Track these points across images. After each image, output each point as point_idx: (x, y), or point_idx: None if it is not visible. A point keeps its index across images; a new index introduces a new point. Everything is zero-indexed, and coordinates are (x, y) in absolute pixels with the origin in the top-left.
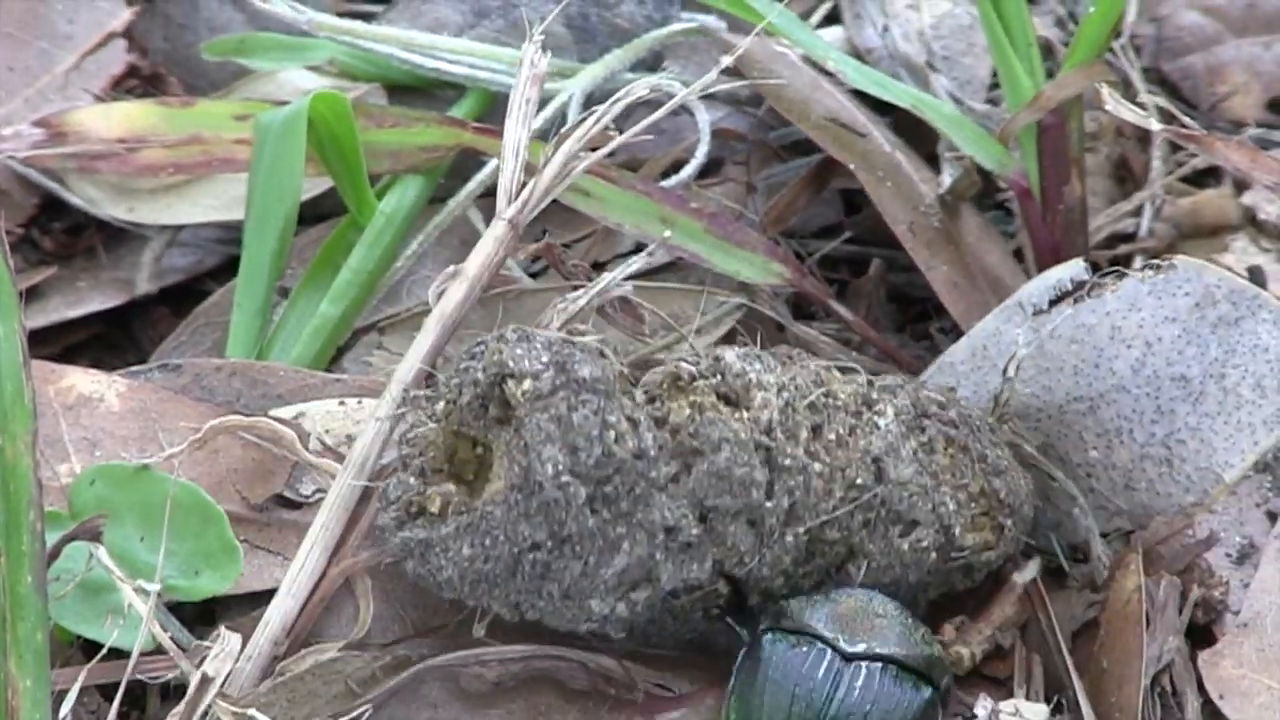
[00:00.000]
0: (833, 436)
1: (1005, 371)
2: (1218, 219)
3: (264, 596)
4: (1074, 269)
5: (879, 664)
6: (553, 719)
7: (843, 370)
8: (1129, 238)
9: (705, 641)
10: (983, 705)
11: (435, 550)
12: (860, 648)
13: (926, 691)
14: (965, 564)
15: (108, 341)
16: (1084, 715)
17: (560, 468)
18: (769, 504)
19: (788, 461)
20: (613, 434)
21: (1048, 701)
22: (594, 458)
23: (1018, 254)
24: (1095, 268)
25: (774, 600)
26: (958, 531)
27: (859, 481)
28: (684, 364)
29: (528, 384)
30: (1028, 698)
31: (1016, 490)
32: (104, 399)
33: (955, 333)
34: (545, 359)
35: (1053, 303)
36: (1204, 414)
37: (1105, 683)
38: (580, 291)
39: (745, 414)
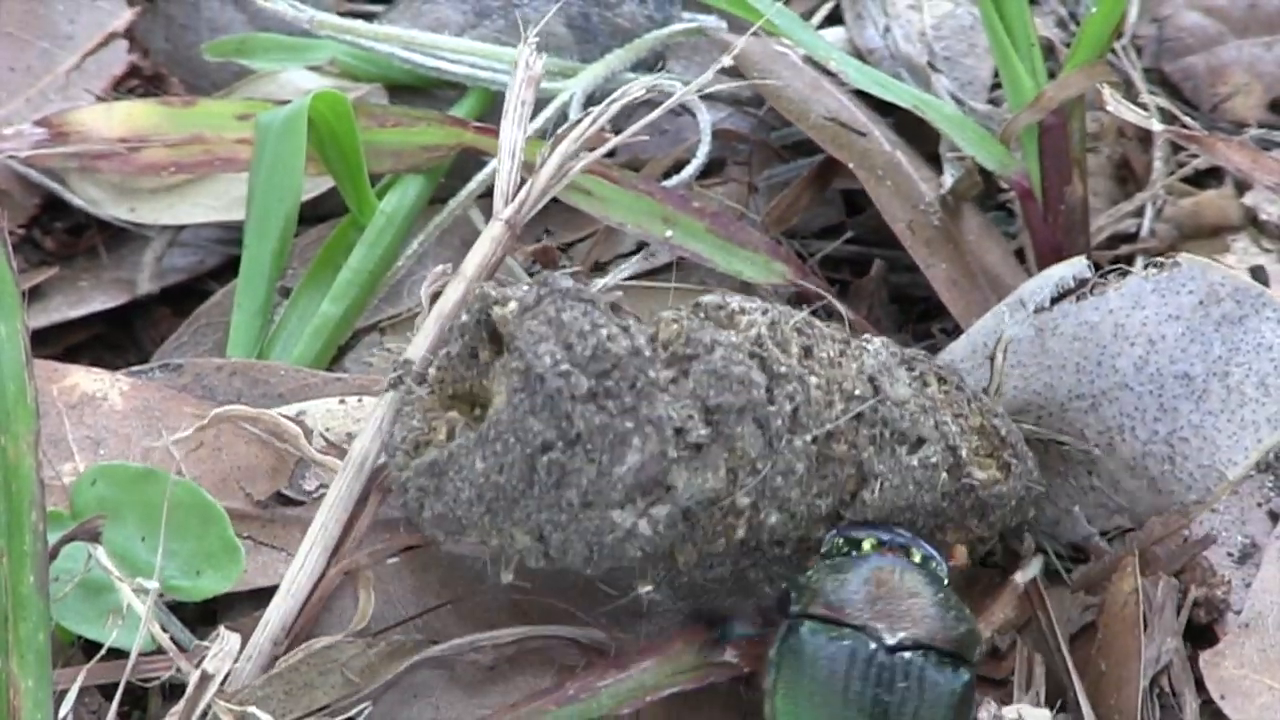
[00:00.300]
0: (824, 356)
1: (993, 358)
2: (1219, 220)
3: (268, 593)
4: (1076, 267)
5: (920, 652)
6: (546, 690)
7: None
8: (1130, 238)
9: (731, 584)
10: (986, 710)
11: (449, 473)
12: (900, 636)
13: (965, 674)
14: (978, 501)
15: (109, 341)
16: (1084, 717)
17: (558, 358)
18: (772, 407)
19: (783, 369)
20: (605, 331)
21: (1049, 704)
22: (589, 349)
23: (1019, 254)
24: (1097, 268)
25: (792, 517)
26: (964, 454)
27: (857, 393)
28: (665, 314)
29: (513, 304)
30: (1028, 699)
31: (1016, 433)
32: (107, 398)
33: (958, 333)
34: (528, 286)
35: (1054, 300)
36: (1207, 412)
37: (1104, 685)
38: None
39: (734, 331)
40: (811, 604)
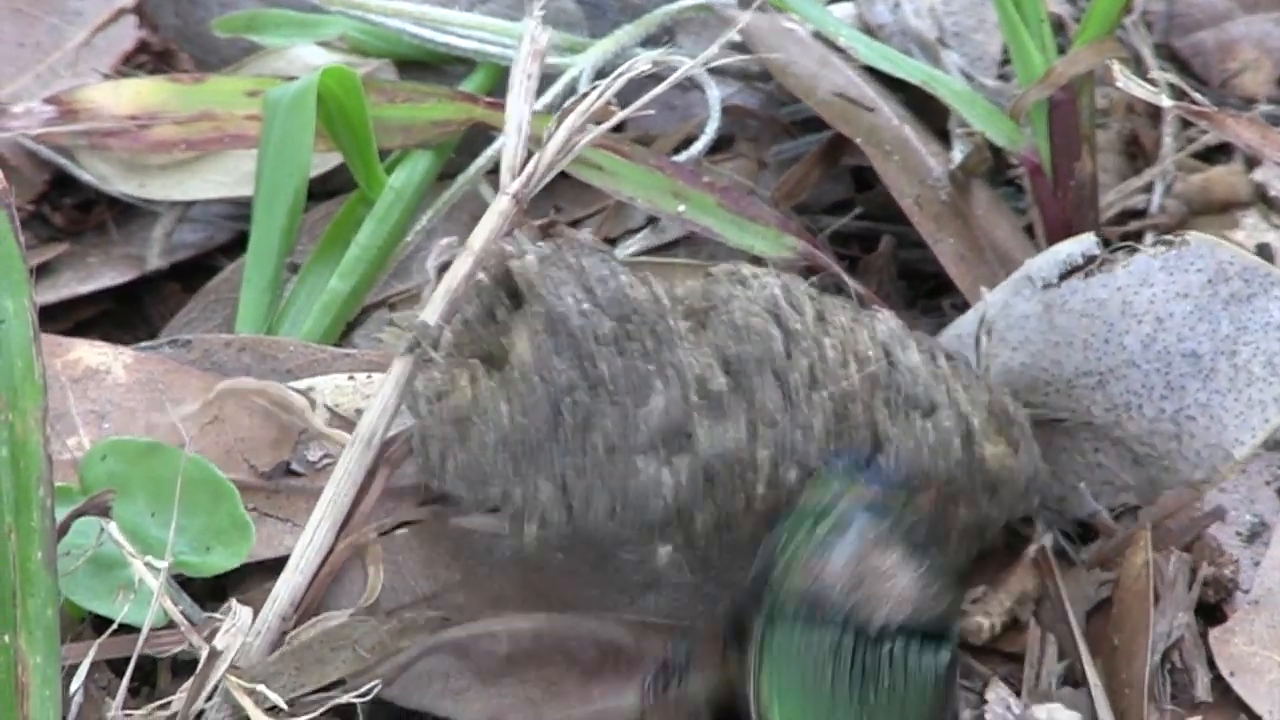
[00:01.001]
0: (838, 321)
1: (978, 339)
2: (1228, 195)
3: (274, 564)
4: (1085, 243)
5: (903, 639)
6: (564, 688)
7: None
8: (1140, 214)
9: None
10: (995, 691)
11: (473, 419)
12: (880, 623)
13: (947, 653)
14: (989, 476)
15: (118, 317)
16: (1093, 690)
17: (580, 299)
18: (789, 361)
19: (798, 327)
20: (625, 279)
21: (1062, 678)
22: (610, 293)
23: (1028, 230)
24: (1106, 244)
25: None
26: (976, 425)
27: (871, 356)
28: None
29: (531, 257)
30: (1039, 675)
31: (1023, 413)
32: (111, 371)
33: (967, 309)
34: (543, 245)
35: (1063, 276)
36: (1214, 391)
37: (1116, 659)
38: None
39: (749, 291)
40: (788, 599)
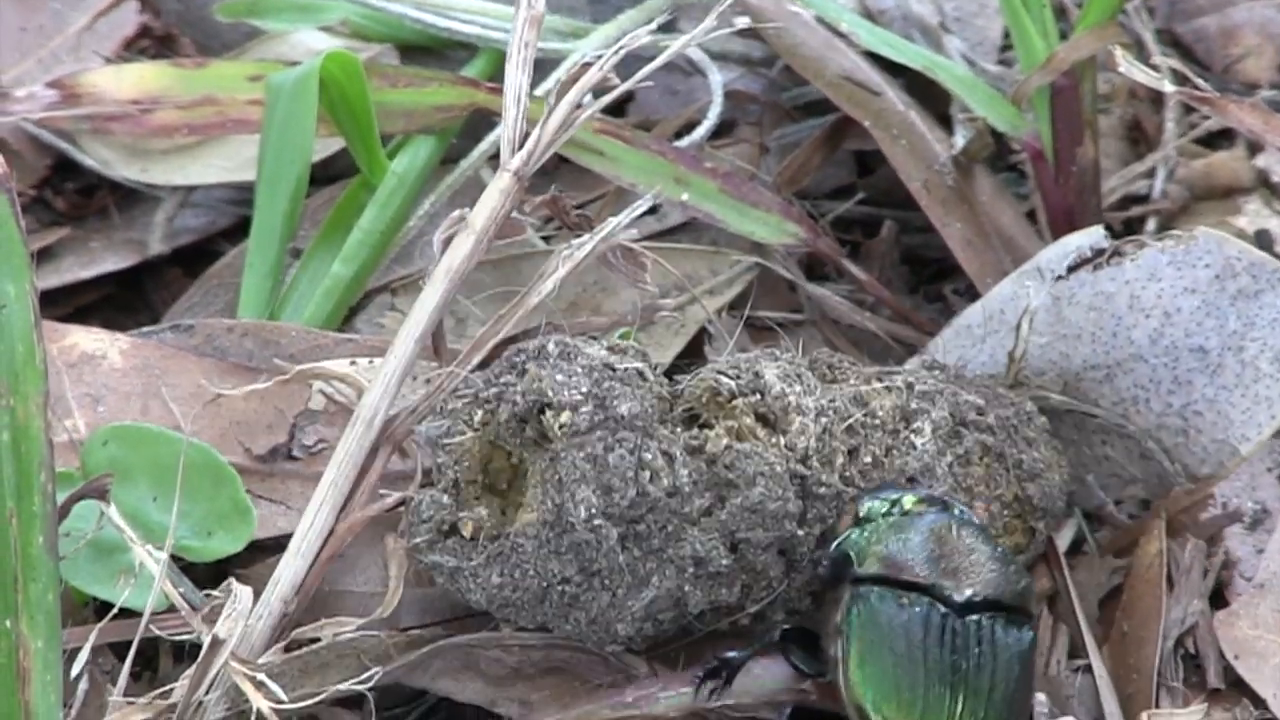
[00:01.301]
0: (869, 459)
1: (1019, 327)
2: (1230, 181)
3: (269, 545)
4: (1093, 236)
5: (989, 613)
6: (574, 700)
7: (880, 377)
8: (1142, 199)
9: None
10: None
11: (464, 575)
12: (968, 593)
13: (1029, 632)
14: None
15: (120, 302)
16: (1098, 677)
17: (593, 510)
18: (801, 532)
19: (822, 490)
20: (648, 473)
21: (1074, 665)
22: (628, 499)
23: (1031, 216)
24: (1109, 229)
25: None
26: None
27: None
28: (724, 378)
29: (565, 417)
30: (1049, 662)
31: (1050, 491)
32: (106, 356)
33: (969, 294)
34: (585, 389)
35: (1071, 269)
36: (1221, 386)
37: (1126, 645)
38: (585, 238)
39: (782, 439)
40: (875, 566)
